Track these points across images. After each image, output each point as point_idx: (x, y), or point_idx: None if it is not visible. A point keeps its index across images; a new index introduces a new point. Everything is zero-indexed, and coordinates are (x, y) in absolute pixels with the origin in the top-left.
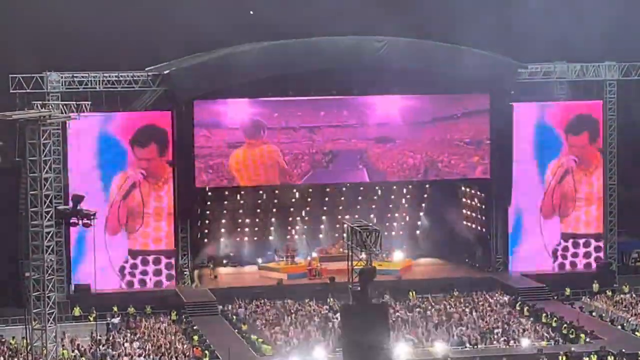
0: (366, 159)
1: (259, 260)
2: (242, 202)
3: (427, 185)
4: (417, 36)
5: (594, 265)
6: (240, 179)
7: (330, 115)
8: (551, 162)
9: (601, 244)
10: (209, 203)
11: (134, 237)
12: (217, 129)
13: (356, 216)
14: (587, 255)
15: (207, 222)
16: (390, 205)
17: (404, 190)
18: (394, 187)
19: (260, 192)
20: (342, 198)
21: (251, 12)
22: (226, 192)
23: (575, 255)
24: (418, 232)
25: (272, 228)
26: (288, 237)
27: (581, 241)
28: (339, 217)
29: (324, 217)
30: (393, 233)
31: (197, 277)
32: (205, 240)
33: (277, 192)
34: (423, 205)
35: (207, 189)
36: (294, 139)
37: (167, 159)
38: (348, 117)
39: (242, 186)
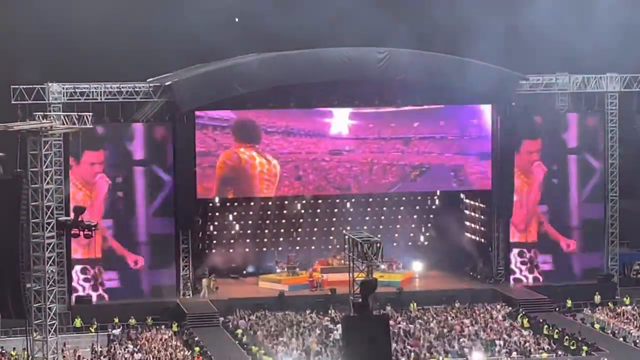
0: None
1: (260, 272)
2: (243, 213)
3: (428, 197)
4: (422, 46)
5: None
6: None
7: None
8: None
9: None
10: (210, 214)
11: None
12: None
13: (357, 227)
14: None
15: (208, 233)
16: (392, 217)
17: (408, 201)
18: (395, 197)
19: (262, 203)
20: (343, 210)
21: (237, 20)
22: (227, 203)
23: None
24: (420, 243)
25: (273, 239)
26: (289, 248)
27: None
28: (341, 228)
29: (325, 229)
30: (395, 244)
31: (205, 286)
32: (207, 251)
33: (278, 203)
34: (425, 216)
35: (211, 199)
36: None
37: None
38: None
39: (244, 197)
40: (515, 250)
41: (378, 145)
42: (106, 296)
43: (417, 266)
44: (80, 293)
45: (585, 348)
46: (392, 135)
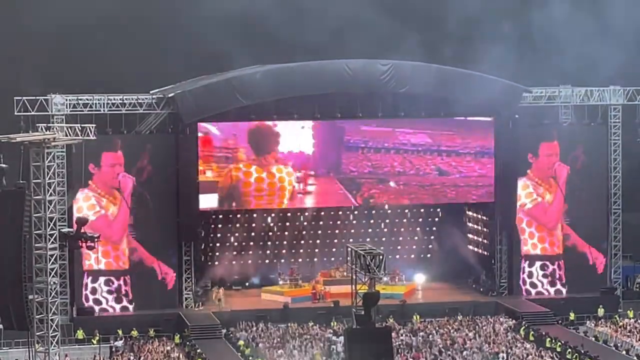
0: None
1: (263, 284)
2: (246, 225)
3: (431, 209)
4: (429, 54)
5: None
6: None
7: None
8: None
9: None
10: (212, 226)
11: None
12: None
13: (360, 240)
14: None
15: (210, 244)
16: (395, 229)
17: (411, 214)
18: (399, 210)
19: (265, 215)
20: (346, 222)
21: None
22: (230, 215)
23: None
24: (423, 255)
25: (276, 251)
26: (292, 260)
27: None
28: (343, 240)
29: (327, 241)
30: (397, 256)
31: (216, 298)
32: (209, 263)
33: (282, 215)
34: (427, 229)
35: (212, 211)
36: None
37: None
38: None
39: (247, 209)
40: (538, 263)
41: (379, 157)
42: (130, 307)
43: (420, 278)
44: (104, 306)
45: None
46: (393, 147)
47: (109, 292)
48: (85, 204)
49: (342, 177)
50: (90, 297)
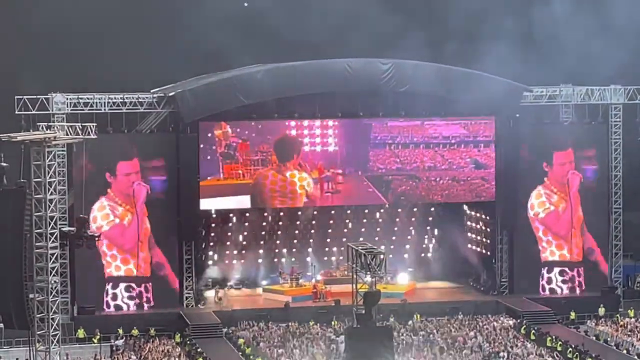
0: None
1: (264, 283)
2: (246, 224)
3: (432, 208)
4: (432, 51)
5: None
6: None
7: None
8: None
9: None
10: (213, 225)
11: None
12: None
13: (361, 239)
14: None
15: (211, 244)
16: (396, 228)
17: (410, 212)
18: (399, 209)
19: (265, 214)
20: (347, 220)
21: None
22: (231, 214)
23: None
24: (424, 255)
25: (276, 250)
26: (293, 259)
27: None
28: (344, 239)
29: (328, 240)
30: (397, 256)
31: (216, 297)
32: (210, 262)
33: (282, 214)
34: (428, 228)
35: (213, 211)
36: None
37: None
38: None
39: (247, 208)
40: (557, 269)
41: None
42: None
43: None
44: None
45: None
46: (394, 145)
47: (130, 297)
48: (99, 214)
49: (370, 174)
50: (112, 303)
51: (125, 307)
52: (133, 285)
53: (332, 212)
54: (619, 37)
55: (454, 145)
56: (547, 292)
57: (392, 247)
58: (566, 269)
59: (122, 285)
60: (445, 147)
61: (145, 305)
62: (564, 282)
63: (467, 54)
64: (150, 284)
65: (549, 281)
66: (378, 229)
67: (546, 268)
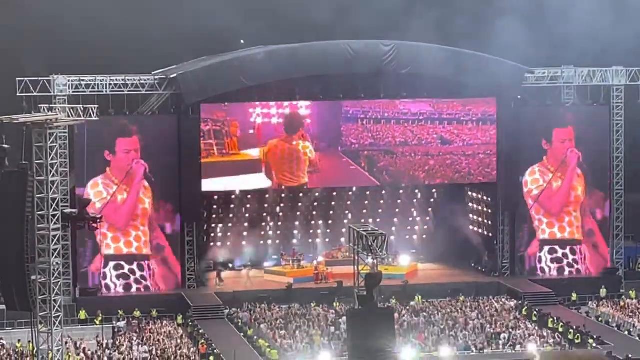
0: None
1: (266, 265)
2: (248, 206)
3: (433, 190)
4: (440, 32)
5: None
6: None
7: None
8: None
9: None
10: (215, 207)
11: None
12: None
13: (362, 220)
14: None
15: (213, 225)
16: (397, 210)
17: (412, 194)
18: (401, 190)
19: (267, 196)
20: (349, 202)
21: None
22: (232, 196)
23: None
24: (425, 236)
25: (278, 232)
26: (294, 241)
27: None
28: (346, 221)
29: (330, 221)
30: (398, 237)
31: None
32: (212, 244)
33: (283, 195)
34: (430, 209)
35: (214, 192)
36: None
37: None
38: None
39: (248, 190)
40: (546, 248)
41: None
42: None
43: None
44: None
45: (590, 341)
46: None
47: (117, 277)
48: (92, 192)
49: (345, 149)
50: (103, 282)
51: (112, 287)
52: (122, 263)
53: (334, 193)
54: (625, 18)
55: (422, 122)
56: (539, 272)
57: (393, 228)
58: (556, 247)
59: (112, 264)
60: (414, 123)
61: (134, 286)
62: (552, 261)
63: (475, 33)
64: (146, 262)
65: (540, 260)
66: (380, 211)
67: (538, 247)
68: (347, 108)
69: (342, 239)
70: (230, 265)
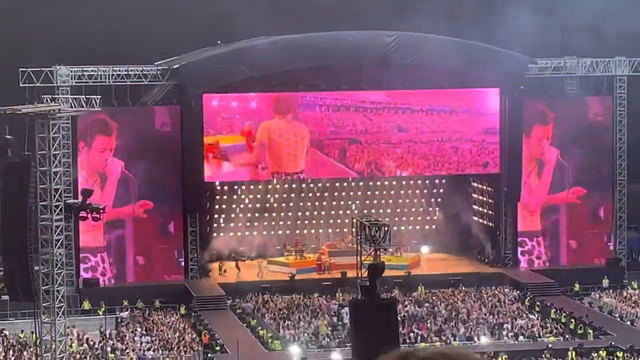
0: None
1: (268, 255)
2: (251, 196)
3: (436, 180)
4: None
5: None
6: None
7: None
8: None
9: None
10: (217, 197)
11: None
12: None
13: (365, 211)
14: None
15: (215, 216)
16: (400, 200)
17: (416, 185)
18: (404, 181)
19: (270, 186)
20: (351, 193)
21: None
22: (235, 186)
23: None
24: (428, 227)
25: (281, 222)
26: (297, 231)
27: None
28: (348, 211)
29: (333, 212)
30: (402, 228)
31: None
32: (215, 234)
33: (286, 186)
34: (432, 200)
35: (217, 183)
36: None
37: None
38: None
39: (252, 180)
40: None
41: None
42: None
43: (425, 249)
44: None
45: (592, 332)
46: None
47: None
48: None
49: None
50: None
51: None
52: (89, 256)
53: (337, 184)
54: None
55: (380, 111)
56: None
57: (396, 219)
58: (526, 239)
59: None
60: (373, 111)
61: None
62: (522, 253)
63: (481, 20)
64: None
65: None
66: (383, 201)
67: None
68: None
69: (345, 230)
70: (234, 256)
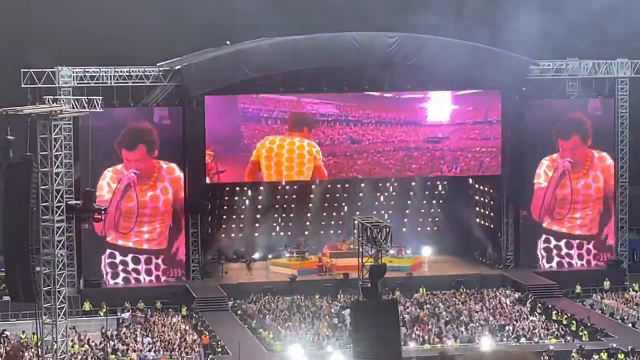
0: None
1: (270, 256)
2: (253, 198)
3: (437, 182)
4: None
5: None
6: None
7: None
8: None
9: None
10: (220, 199)
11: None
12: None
13: (367, 212)
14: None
15: (217, 217)
16: (401, 202)
17: (417, 186)
18: (405, 183)
19: (272, 188)
20: (353, 195)
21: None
22: (237, 188)
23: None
24: (429, 229)
25: (283, 224)
26: (299, 233)
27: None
28: (350, 213)
29: (334, 213)
30: (404, 229)
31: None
32: (216, 235)
33: (288, 187)
34: (434, 202)
35: (219, 183)
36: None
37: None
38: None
39: (253, 182)
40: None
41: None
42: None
43: (427, 251)
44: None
45: (588, 333)
46: (397, 120)
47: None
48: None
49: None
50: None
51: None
52: (115, 253)
53: (338, 185)
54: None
55: (331, 123)
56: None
57: (405, 220)
58: (551, 237)
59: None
60: (324, 124)
61: (132, 279)
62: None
63: (487, 20)
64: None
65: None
66: (385, 203)
67: (543, 238)
68: (243, 105)
69: (340, 231)
70: (235, 257)
